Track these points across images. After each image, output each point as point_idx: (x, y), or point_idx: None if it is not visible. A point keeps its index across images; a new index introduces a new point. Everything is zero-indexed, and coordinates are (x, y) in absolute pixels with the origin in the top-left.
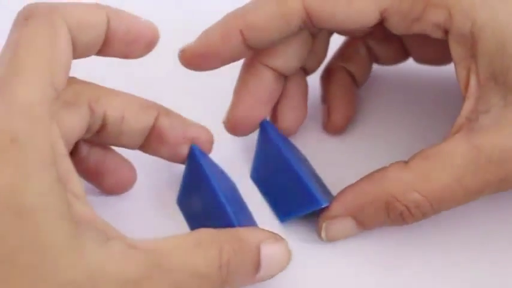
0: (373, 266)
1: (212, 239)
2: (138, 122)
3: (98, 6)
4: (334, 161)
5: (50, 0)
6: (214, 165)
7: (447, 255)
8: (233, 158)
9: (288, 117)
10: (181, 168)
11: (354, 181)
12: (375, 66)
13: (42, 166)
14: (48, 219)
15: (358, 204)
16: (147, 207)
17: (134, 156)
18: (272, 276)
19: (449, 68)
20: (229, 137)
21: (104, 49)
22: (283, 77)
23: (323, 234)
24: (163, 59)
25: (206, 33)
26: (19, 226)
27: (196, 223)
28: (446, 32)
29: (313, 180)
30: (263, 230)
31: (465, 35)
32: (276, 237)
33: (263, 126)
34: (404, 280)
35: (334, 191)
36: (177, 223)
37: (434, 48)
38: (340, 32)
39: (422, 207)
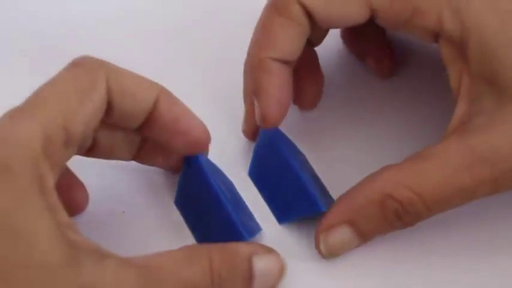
0: (373, 272)
1: (203, 253)
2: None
3: (151, 83)
4: (334, 161)
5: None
6: (211, 164)
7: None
8: (230, 157)
9: (309, 90)
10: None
11: (354, 181)
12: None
13: (33, 194)
14: (43, 240)
15: (353, 208)
16: (145, 208)
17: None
18: None
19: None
20: (226, 135)
21: (146, 127)
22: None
23: (322, 248)
24: (164, 58)
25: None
26: (15, 246)
27: (195, 223)
28: (435, 36)
29: (314, 183)
30: (254, 243)
31: (455, 39)
32: (268, 250)
33: None
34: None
35: (334, 192)
36: (176, 224)
37: None
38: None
39: (416, 204)
